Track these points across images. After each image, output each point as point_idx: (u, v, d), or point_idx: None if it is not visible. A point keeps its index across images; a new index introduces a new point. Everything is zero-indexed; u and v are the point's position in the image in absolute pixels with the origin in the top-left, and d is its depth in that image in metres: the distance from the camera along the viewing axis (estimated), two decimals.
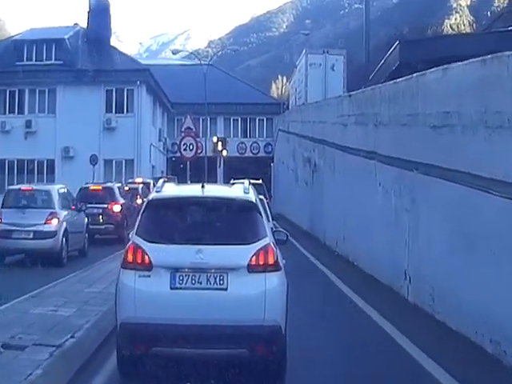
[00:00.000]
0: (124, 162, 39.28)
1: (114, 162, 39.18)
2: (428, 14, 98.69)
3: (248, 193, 7.21)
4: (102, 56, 40.88)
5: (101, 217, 21.00)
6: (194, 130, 24.90)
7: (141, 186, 27.57)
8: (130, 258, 6.65)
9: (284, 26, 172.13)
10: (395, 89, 12.69)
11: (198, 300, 6.47)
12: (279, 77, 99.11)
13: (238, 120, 52.45)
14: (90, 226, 19.92)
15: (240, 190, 7.36)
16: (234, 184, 8.84)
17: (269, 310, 6.49)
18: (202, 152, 43.23)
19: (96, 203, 21.04)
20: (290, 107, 47.89)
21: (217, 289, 6.49)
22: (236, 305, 6.47)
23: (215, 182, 39.68)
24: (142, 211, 7.05)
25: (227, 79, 53.15)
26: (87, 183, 23.25)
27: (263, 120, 52.43)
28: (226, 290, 6.49)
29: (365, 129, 15.27)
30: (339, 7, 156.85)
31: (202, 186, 7.30)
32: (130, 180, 31.57)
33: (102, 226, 21.04)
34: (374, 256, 14.16)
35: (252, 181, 9.64)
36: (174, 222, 6.92)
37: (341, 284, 14.01)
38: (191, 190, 7.96)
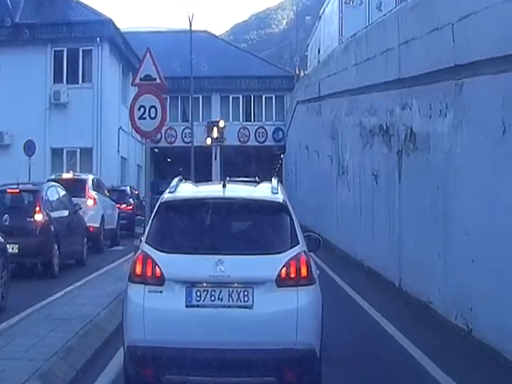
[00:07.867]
0: (79, 151, 28.15)
1: (64, 152, 28.01)
2: None
3: (277, 193, 6.00)
4: (51, 7, 28.65)
5: None
6: (159, 81, 12.19)
7: (53, 186, 13.19)
8: (138, 270, 5.49)
9: (284, 23, 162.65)
10: None
11: (218, 320, 5.37)
12: None
13: (238, 99, 39.59)
14: None
15: (267, 190, 6.09)
16: (247, 182, 7.38)
17: (301, 331, 5.31)
18: (193, 141, 30.84)
19: None
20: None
21: (240, 306, 5.35)
22: (263, 325, 5.33)
23: (210, 180, 28.19)
24: (153, 215, 5.91)
25: (225, 48, 40.25)
26: None
27: (271, 98, 39.54)
28: (251, 307, 5.35)
29: None
30: None
31: (224, 186, 6.06)
32: (52, 176, 18.35)
33: None
34: None
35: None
36: (191, 227, 5.81)
37: None
38: (210, 189, 6.90)
